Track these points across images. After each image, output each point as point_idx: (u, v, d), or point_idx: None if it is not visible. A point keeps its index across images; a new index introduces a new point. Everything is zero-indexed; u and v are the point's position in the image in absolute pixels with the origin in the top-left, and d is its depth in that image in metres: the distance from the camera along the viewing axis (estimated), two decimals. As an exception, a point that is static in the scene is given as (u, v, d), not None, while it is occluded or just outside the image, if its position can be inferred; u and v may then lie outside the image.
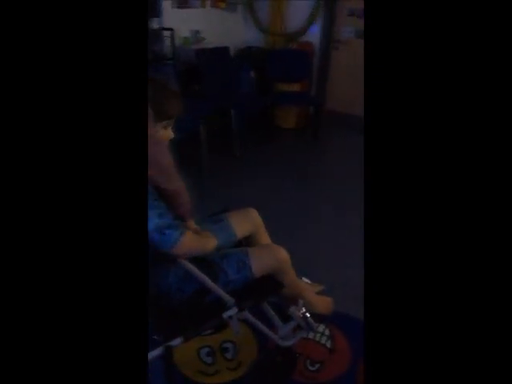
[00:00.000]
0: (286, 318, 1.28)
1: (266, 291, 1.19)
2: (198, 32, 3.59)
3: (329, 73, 3.98)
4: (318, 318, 1.42)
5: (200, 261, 1.07)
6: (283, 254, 1.24)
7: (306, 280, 1.60)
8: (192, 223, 1.10)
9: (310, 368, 1.40)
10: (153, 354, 1.00)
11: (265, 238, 1.46)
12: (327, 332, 1.54)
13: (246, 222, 1.39)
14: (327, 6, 3.66)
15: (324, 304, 1.50)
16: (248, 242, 1.40)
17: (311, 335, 1.50)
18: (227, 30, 3.83)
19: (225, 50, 3.74)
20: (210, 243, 1.08)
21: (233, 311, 1.08)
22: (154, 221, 0.91)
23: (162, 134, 1.02)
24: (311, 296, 1.44)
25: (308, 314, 1.25)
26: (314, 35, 3.80)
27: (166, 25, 3.24)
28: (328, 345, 1.49)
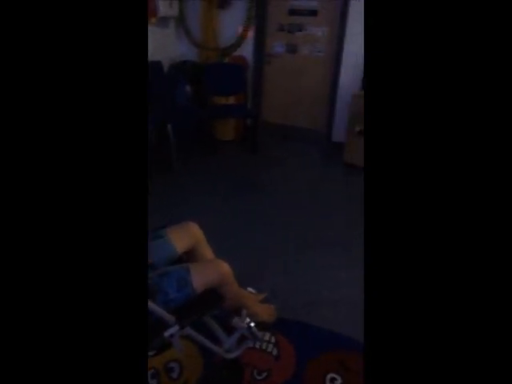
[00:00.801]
0: (230, 330, 1.29)
1: (207, 306, 1.19)
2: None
3: (263, 86, 4.09)
4: (263, 326, 1.45)
5: None
6: (225, 267, 1.25)
7: (251, 290, 1.62)
8: None
9: (258, 377, 1.41)
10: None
11: (207, 251, 1.46)
12: (273, 339, 1.57)
13: (187, 236, 1.38)
14: (258, 22, 3.78)
15: (267, 312, 1.53)
16: (190, 256, 1.39)
17: (257, 345, 1.52)
18: (160, 45, 3.81)
19: (157, 64, 3.71)
20: None
21: (174, 329, 1.07)
22: None
23: None
24: (254, 305, 1.46)
25: (252, 324, 1.26)
26: (247, 50, 3.90)
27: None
28: (274, 352, 1.52)
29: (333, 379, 1.43)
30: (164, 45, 3.91)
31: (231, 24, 3.84)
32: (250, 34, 3.83)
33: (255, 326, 1.30)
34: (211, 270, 1.23)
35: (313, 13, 3.59)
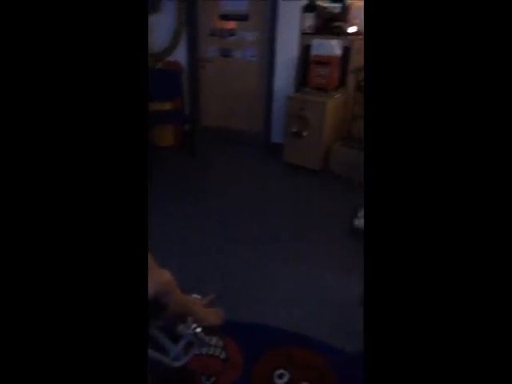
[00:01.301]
0: (177, 338, 1.27)
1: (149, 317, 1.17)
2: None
3: (199, 90, 4.08)
4: (210, 330, 1.46)
5: None
6: (166, 276, 1.23)
7: (196, 296, 1.61)
8: None
9: (207, 383, 1.41)
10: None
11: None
12: (220, 343, 1.57)
13: None
14: (189, 26, 3.77)
15: (213, 315, 1.53)
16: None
17: (203, 350, 1.51)
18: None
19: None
20: None
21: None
22: None
23: None
24: (200, 310, 1.46)
25: (198, 329, 1.26)
26: (180, 55, 3.87)
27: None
28: (222, 355, 1.53)
29: (281, 375, 1.46)
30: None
31: (163, 29, 3.79)
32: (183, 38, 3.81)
33: (202, 330, 1.30)
34: (151, 281, 1.21)
35: (244, 17, 3.65)
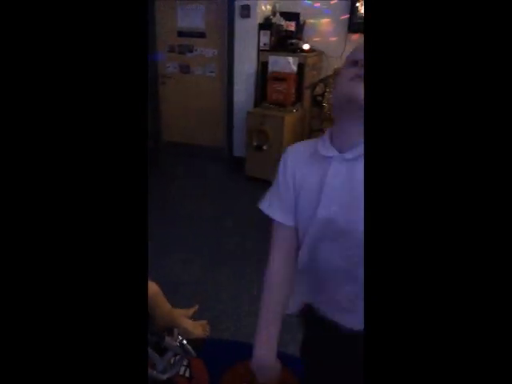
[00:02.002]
0: (163, 350, 1.26)
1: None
2: None
3: (160, 106, 4.09)
4: (196, 342, 1.42)
5: None
6: (153, 287, 1.24)
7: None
8: None
9: (172, 403, 1.42)
10: None
11: None
12: (185, 362, 1.59)
13: None
14: (149, 43, 3.79)
15: (200, 328, 1.53)
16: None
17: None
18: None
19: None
20: None
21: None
22: None
23: None
24: (186, 323, 1.46)
25: (185, 341, 1.25)
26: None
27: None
28: (187, 374, 1.54)
29: (246, 388, 1.50)
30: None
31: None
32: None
33: (188, 343, 1.29)
34: None
35: (201, 35, 3.71)
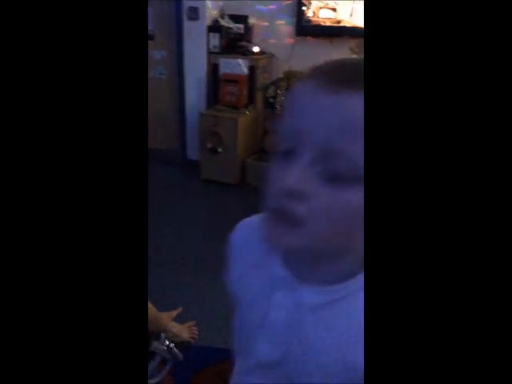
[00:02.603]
0: (151, 355, 1.23)
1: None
2: None
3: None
4: (184, 345, 1.36)
5: None
6: None
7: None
8: None
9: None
10: None
11: None
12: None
13: None
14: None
15: (187, 331, 1.46)
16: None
17: None
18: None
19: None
20: None
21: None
22: None
23: None
24: (173, 326, 1.40)
25: (172, 345, 1.23)
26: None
27: None
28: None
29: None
30: None
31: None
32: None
33: (175, 346, 1.26)
34: None
35: (149, 37, 3.64)
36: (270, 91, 3.18)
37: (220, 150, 3.28)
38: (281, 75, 3.16)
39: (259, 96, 3.35)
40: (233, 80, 3.26)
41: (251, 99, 3.38)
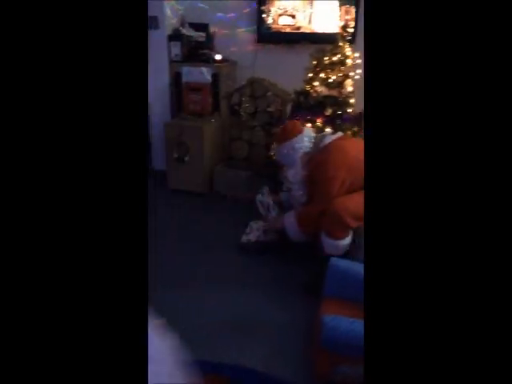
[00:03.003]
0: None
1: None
2: None
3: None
4: None
5: None
6: None
7: None
8: None
9: None
10: None
11: None
12: None
13: None
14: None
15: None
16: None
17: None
18: None
19: None
20: None
21: None
22: None
23: None
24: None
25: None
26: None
27: None
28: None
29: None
30: None
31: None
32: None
33: None
34: None
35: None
36: (235, 98, 3.18)
37: (186, 159, 3.24)
38: (244, 82, 3.17)
39: (224, 104, 3.34)
40: (196, 88, 3.24)
41: (216, 107, 3.37)
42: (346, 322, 1.40)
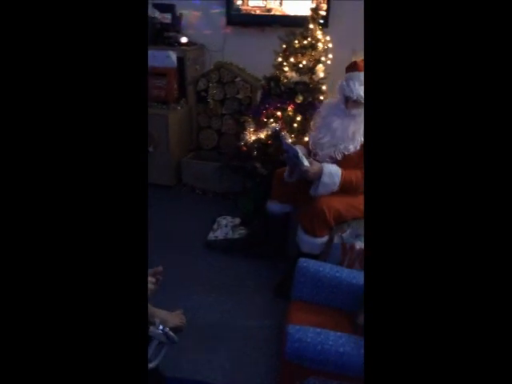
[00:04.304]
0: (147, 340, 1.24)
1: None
2: None
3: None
4: (175, 330, 1.35)
5: None
6: None
7: None
8: None
9: None
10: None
11: None
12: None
13: None
14: None
15: (177, 317, 1.44)
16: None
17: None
18: None
19: None
20: None
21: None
22: None
23: None
24: (161, 313, 1.41)
25: (167, 329, 1.29)
26: None
27: None
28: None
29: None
30: None
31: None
32: None
33: (170, 330, 1.30)
34: None
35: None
36: (201, 84, 2.99)
37: (151, 149, 3.04)
38: (212, 67, 2.98)
39: (191, 90, 3.14)
40: (161, 73, 3.03)
41: (182, 94, 3.17)
42: (312, 334, 1.28)
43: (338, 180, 1.81)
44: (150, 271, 1.45)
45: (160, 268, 1.41)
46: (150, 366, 1.26)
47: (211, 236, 2.40)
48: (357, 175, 1.82)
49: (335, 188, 1.82)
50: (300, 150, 1.86)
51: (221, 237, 2.36)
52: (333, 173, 1.81)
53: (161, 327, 1.31)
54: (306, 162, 1.82)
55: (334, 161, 1.87)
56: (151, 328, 1.29)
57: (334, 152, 1.87)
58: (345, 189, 1.83)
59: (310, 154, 1.97)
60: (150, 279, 1.37)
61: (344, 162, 1.85)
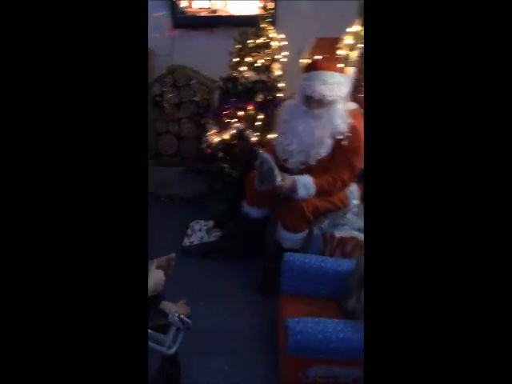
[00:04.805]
0: (163, 328, 1.28)
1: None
2: None
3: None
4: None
5: None
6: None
7: None
8: None
9: None
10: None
11: None
12: None
13: None
14: None
15: (182, 306, 1.50)
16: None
17: None
18: None
19: None
20: None
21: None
22: None
23: None
24: (168, 304, 1.45)
25: (182, 315, 1.33)
26: None
27: None
28: None
29: None
30: None
31: None
32: None
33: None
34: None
35: None
36: (155, 89, 2.93)
37: (109, 161, 2.93)
38: (163, 71, 2.92)
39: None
40: (111, 82, 2.92)
41: (136, 101, 3.08)
42: (312, 324, 1.32)
43: (312, 191, 1.86)
44: (163, 258, 1.46)
45: (173, 255, 1.47)
46: (171, 351, 1.30)
47: (186, 242, 2.37)
48: (327, 180, 1.87)
49: (311, 196, 1.88)
50: (276, 167, 1.83)
51: (196, 242, 2.35)
52: (306, 184, 1.85)
53: (176, 314, 1.34)
54: (279, 178, 1.81)
55: (307, 167, 1.91)
56: (170, 315, 1.33)
57: (306, 158, 1.90)
58: (319, 194, 1.89)
59: (277, 160, 1.95)
60: (160, 270, 1.40)
61: (316, 167, 1.90)
